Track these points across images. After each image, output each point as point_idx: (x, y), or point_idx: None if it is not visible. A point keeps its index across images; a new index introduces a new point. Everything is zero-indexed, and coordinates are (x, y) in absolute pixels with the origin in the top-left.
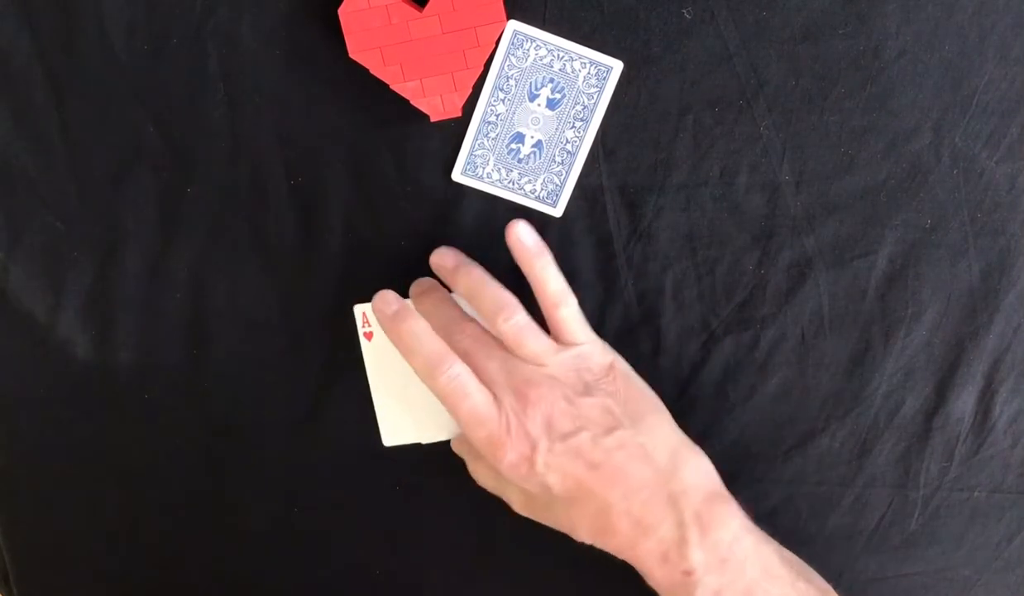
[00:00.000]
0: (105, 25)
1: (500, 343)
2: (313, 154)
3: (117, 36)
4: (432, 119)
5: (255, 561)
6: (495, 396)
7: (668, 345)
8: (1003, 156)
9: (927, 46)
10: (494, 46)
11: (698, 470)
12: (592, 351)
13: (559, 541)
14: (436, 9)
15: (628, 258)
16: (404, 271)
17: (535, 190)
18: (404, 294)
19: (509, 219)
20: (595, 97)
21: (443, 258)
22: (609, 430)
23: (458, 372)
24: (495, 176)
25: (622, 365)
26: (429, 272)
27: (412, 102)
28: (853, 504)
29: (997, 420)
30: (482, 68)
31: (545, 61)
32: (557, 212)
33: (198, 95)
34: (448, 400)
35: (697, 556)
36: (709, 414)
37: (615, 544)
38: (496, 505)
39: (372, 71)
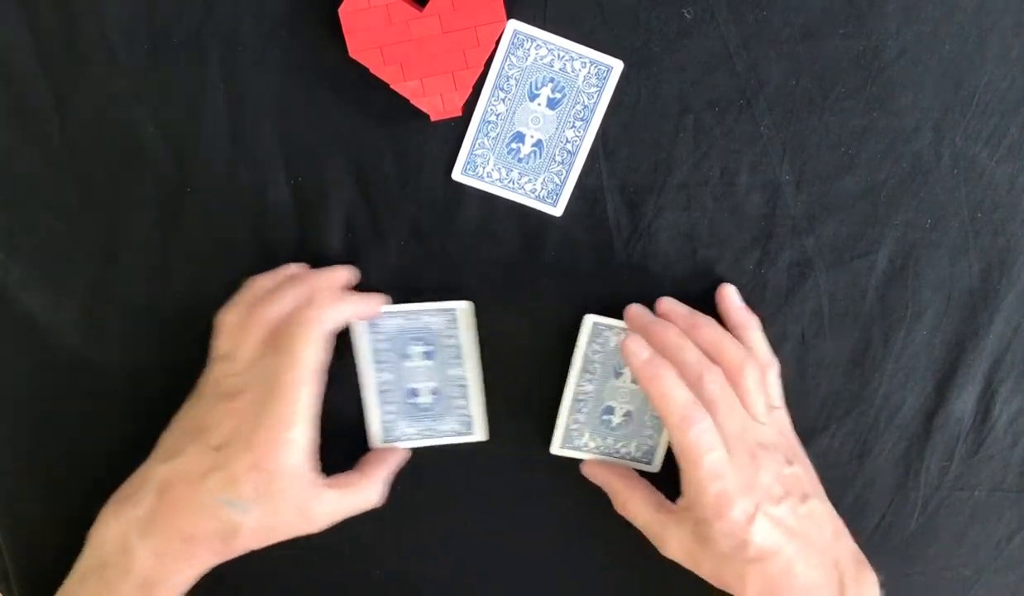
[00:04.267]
0: (105, 25)
1: (736, 395)
2: (313, 154)
3: (117, 36)
4: (432, 119)
5: (255, 561)
6: (731, 451)
7: None
8: (1003, 156)
9: (927, 46)
10: (494, 46)
11: (848, 537)
12: (786, 416)
13: (558, 542)
14: (436, 9)
15: (628, 258)
16: (404, 271)
17: (535, 189)
18: (404, 297)
19: (509, 219)
20: (595, 97)
21: (675, 306)
22: (804, 499)
23: (707, 427)
24: (495, 175)
25: (794, 432)
26: (429, 272)
27: (412, 102)
28: (853, 504)
29: (997, 420)
30: (482, 68)
31: (545, 61)
32: (557, 211)
33: (198, 95)
34: (692, 452)
35: None
36: None
37: None
38: (496, 505)
39: (372, 71)
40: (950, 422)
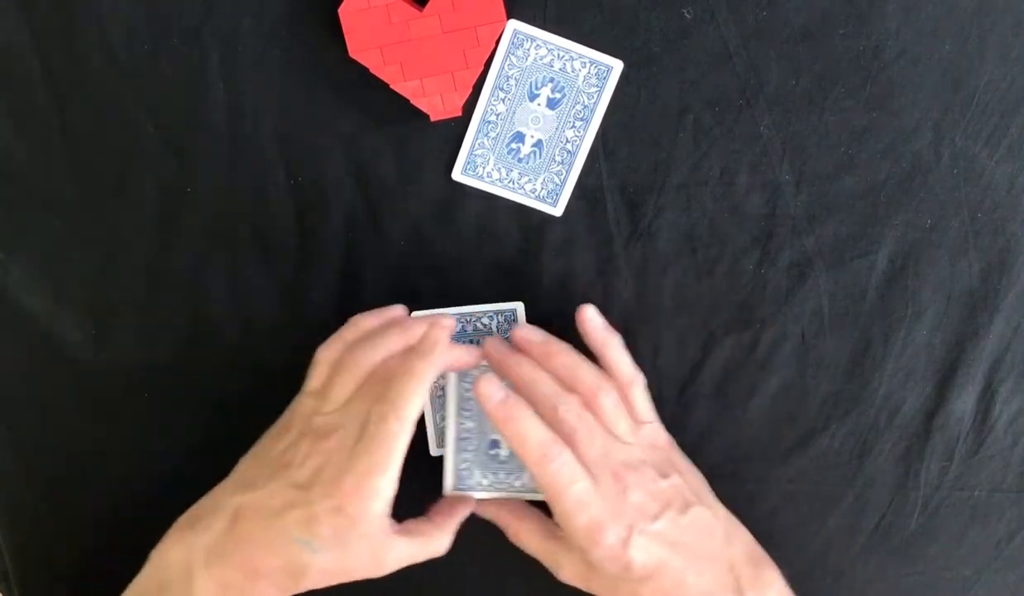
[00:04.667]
0: (105, 25)
1: (596, 420)
2: (313, 154)
3: (117, 36)
4: (432, 119)
5: None
6: (594, 479)
7: (668, 345)
8: (1003, 156)
9: (927, 46)
10: (494, 46)
11: (743, 536)
12: (658, 429)
13: None
14: (436, 9)
15: (628, 258)
16: (404, 271)
17: (535, 190)
18: (404, 297)
19: (509, 219)
20: (595, 97)
21: (530, 333)
22: (684, 509)
23: (565, 460)
24: (495, 175)
25: (672, 440)
26: (429, 272)
27: (412, 102)
28: (853, 504)
29: (997, 420)
30: (482, 67)
31: (545, 61)
32: (557, 212)
33: (198, 95)
34: (553, 488)
35: None
36: (709, 414)
37: None
38: None
39: (372, 71)
40: (950, 422)
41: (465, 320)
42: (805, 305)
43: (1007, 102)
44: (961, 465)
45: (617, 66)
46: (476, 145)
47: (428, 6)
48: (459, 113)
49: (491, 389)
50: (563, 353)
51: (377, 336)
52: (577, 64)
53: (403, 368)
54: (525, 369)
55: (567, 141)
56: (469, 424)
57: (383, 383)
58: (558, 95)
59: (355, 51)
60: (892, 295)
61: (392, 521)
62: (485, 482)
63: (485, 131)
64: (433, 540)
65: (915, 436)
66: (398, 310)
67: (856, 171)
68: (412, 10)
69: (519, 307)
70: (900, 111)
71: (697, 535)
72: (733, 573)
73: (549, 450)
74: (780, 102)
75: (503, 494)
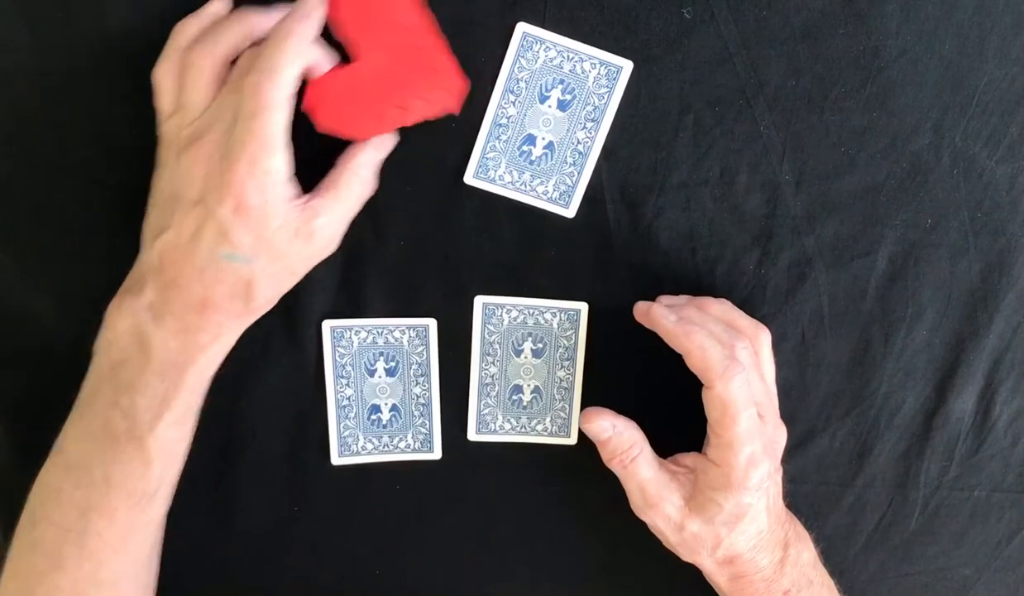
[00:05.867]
0: (105, 25)
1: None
2: (313, 154)
3: (117, 36)
4: (456, 112)
5: (255, 561)
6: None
7: (668, 345)
8: (1003, 156)
9: (927, 46)
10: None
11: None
12: None
13: (558, 542)
14: (374, 48)
15: (628, 258)
16: (404, 271)
17: (547, 191)
18: (404, 297)
19: (509, 219)
20: (605, 97)
21: (676, 298)
22: (779, 469)
23: (746, 380)
24: (507, 178)
25: None
26: (430, 272)
27: (429, 118)
28: (853, 504)
29: (997, 420)
30: (456, 61)
31: (555, 62)
32: (569, 213)
33: None
34: (732, 406)
35: (792, 575)
36: None
37: (745, 559)
38: (495, 505)
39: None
40: (950, 422)
41: (377, 332)
42: (805, 305)
43: (1007, 102)
44: (961, 465)
45: (627, 66)
46: (488, 148)
47: (363, 49)
48: (456, 111)
49: (665, 310)
50: (718, 303)
51: (213, 32)
52: (587, 65)
53: (277, 32)
54: (692, 312)
55: (578, 142)
56: (492, 369)
57: (249, 62)
58: (568, 97)
59: (330, 127)
60: (892, 295)
61: (302, 193)
62: (508, 426)
63: (496, 134)
64: (347, 183)
65: (915, 436)
66: (218, 5)
67: (856, 171)
68: (361, 64)
69: (433, 323)
70: (900, 111)
71: (777, 491)
72: (783, 528)
73: (731, 365)
74: (780, 102)
75: (524, 438)
